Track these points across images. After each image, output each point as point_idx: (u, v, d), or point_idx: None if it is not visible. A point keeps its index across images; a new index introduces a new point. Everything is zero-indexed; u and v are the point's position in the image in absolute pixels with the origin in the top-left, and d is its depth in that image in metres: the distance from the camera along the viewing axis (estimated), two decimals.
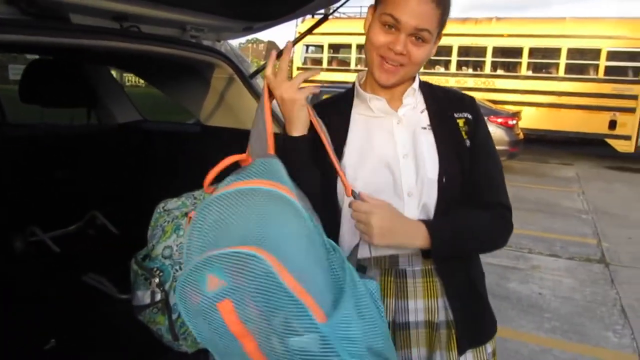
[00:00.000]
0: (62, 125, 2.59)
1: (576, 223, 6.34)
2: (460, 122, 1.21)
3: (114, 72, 3.06)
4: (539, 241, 5.49)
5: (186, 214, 1.58)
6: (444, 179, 1.15)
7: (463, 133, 1.20)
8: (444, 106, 1.23)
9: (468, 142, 1.19)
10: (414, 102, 1.22)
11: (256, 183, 0.95)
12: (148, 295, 1.55)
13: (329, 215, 1.11)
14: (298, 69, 14.43)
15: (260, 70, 2.08)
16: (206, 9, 1.81)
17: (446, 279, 1.19)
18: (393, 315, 1.20)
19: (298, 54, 14.56)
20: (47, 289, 2.03)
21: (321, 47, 14.33)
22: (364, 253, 1.12)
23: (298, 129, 1.12)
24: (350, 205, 1.09)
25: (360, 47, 14.02)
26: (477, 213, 1.18)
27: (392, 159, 1.17)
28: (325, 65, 14.29)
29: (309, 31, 2.10)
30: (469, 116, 1.22)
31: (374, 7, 1.15)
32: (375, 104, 1.21)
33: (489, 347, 1.28)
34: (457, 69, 12.88)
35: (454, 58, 12.72)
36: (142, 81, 3.52)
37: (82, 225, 2.41)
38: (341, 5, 1.99)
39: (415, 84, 1.23)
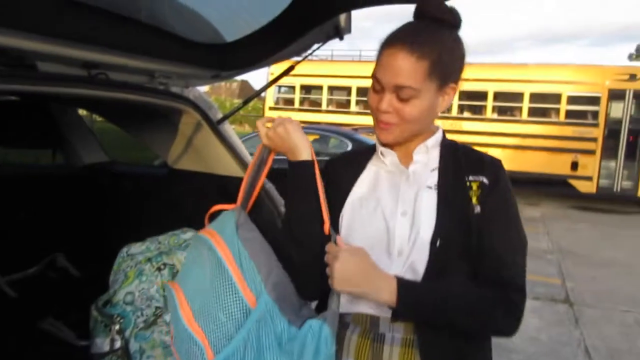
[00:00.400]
0: (26, 166, 2.56)
1: (542, 263, 6.46)
2: (474, 186, 1.11)
3: (83, 111, 3.06)
4: None
5: (149, 260, 1.58)
6: (437, 242, 1.07)
7: (474, 198, 1.10)
8: (458, 166, 1.15)
9: (479, 208, 1.09)
10: (425, 159, 1.17)
11: (205, 231, 1.13)
12: (107, 343, 1.53)
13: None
14: (270, 108, 14.60)
15: (229, 116, 2.12)
16: (174, 58, 1.86)
17: (426, 354, 1.08)
18: None
19: (270, 95, 14.74)
20: (1, 336, 1.97)
21: (293, 87, 14.55)
22: (352, 307, 1.13)
23: (303, 154, 1.14)
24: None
25: (331, 89, 14.31)
26: (469, 288, 1.08)
27: (390, 215, 1.13)
28: (297, 105, 14.48)
29: (277, 79, 2.17)
30: (485, 180, 1.11)
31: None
32: (387, 158, 1.18)
33: None
34: None
35: None
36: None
37: (42, 268, 2.37)
38: (306, 57, 2.08)
39: (431, 141, 1.17)
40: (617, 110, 11.51)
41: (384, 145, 1.17)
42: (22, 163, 2.62)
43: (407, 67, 1.05)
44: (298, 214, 1.15)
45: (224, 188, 2.12)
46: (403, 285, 1.04)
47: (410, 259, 1.08)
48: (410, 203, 1.12)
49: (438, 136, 1.19)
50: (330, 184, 1.21)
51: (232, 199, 2.16)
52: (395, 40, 1.07)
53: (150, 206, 2.37)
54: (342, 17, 1.94)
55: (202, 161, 2.16)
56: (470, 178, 1.12)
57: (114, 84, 1.66)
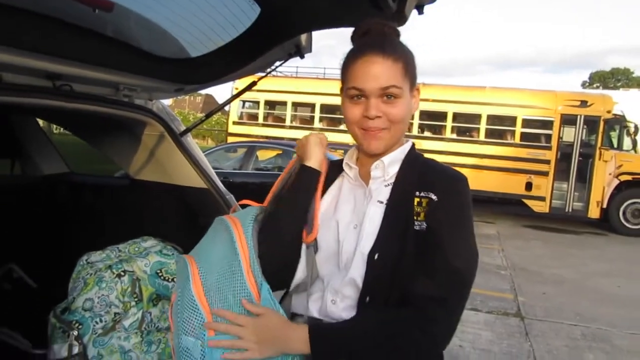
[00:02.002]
0: None
1: (495, 279, 6.66)
2: (424, 202, 1.11)
3: (41, 122, 3.05)
4: None
5: (110, 267, 1.61)
6: (375, 256, 1.09)
7: (422, 214, 1.10)
8: (412, 183, 1.15)
9: (422, 225, 1.09)
10: (382, 174, 1.19)
11: (228, 217, 1.21)
12: (65, 349, 1.55)
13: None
14: (234, 123, 14.57)
15: (192, 128, 2.18)
16: (139, 71, 1.91)
17: None
18: None
19: (235, 109, 14.75)
20: None
21: (257, 103, 14.59)
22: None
23: (312, 162, 1.22)
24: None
25: (295, 105, 14.43)
26: (384, 317, 1.07)
27: (343, 228, 1.17)
28: (261, 120, 14.52)
29: (239, 94, 2.24)
30: (433, 197, 1.11)
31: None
32: (351, 172, 1.23)
33: None
34: None
35: None
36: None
37: None
38: (268, 74, 2.17)
39: (387, 158, 1.19)
40: (569, 134, 12.01)
41: (374, 155, 1.19)
42: None
43: (386, 69, 1.11)
44: (289, 208, 1.20)
45: (185, 198, 2.17)
46: (314, 332, 1.05)
47: (350, 272, 1.11)
48: (361, 217, 1.16)
49: (403, 150, 1.21)
50: None
51: (193, 209, 2.21)
52: (367, 50, 1.13)
53: (110, 216, 2.39)
54: (303, 37, 2.04)
55: (163, 172, 2.20)
56: (421, 195, 1.12)
57: (77, 95, 1.70)
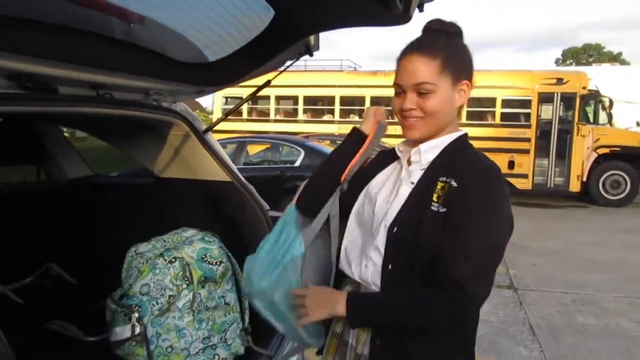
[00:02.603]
0: (16, 183, 2.68)
1: None
2: (439, 186, 1.21)
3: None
4: None
5: (161, 255, 1.79)
6: (394, 229, 1.22)
7: (435, 197, 1.20)
8: (441, 169, 1.26)
9: (440, 208, 1.19)
10: (419, 159, 1.31)
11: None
12: (128, 329, 1.73)
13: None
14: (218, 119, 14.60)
15: (214, 126, 2.36)
16: (166, 77, 2.08)
17: None
18: None
19: (218, 106, 14.82)
20: (12, 337, 2.10)
21: (240, 98, 14.61)
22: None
23: (363, 128, 1.47)
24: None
25: (278, 98, 14.55)
26: (410, 292, 1.21)
27: (380, 202, 1.31)
28: (245, 116, 14.62)
29: (257, 91, 2.41)
30: (454, 183, 1.20)
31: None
32: (400, 154, 1.38)
33: None
34: None
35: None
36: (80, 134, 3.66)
37: (36, 278, 2.50)
38: (280, 73, 2.34)
39: (424, 146, 1.31)
40: (547, 112, 12.34)
41: (414, 141, 1.33)
42: (11, 181, 2.73)
43: (421, 66, 1.23)
44: (329, 157, 1.50)
45: (211, 192, 2.35)
46: (351, 298, 1.24)
47: (376, 240, 1.26)
48: (394, 194, 1.29)
49: (446, 138, 1.32)
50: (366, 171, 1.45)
51: (218, 201, 2.38)
52: (408, 50, 1.27)
53: (137, 214, 2.56)
54: (312, 37, 2.22)
55: (188, 169, 2.37)
56: (440, 179, 1.22)
57: (117, 102, 1.87)
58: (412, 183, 1.28)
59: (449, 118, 1.30)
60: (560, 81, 12.19)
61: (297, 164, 8.20)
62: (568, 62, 49.25)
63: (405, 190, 1.28)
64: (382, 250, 1.24)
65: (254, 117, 14.62)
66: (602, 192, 11.83)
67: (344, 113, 13.92)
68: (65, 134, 2.98)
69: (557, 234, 8.48)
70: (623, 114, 13.84)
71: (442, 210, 1.19)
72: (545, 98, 12.22)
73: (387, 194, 1.32)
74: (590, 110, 12.53)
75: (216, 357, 1.86)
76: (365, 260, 1.29)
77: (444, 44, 1.27)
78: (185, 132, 2.26)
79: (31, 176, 2.68)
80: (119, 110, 1.87)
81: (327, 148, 9.01)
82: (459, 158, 1.27)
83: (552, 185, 12.33)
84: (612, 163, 11.80)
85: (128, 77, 1.87)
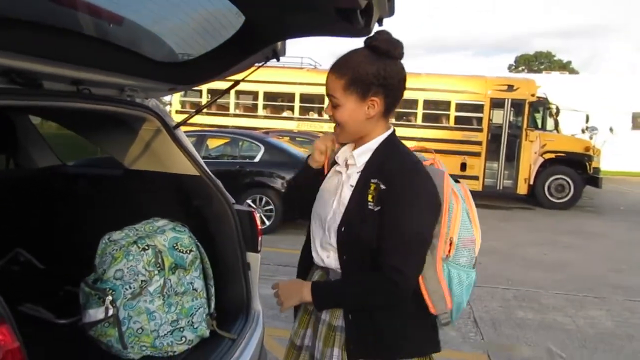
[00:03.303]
0: None
1: None
2: (371, 187, 1.43)
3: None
4: None
5: (135, 242, 1.91)
6: (342, 229, 1.46)
7: (370, 197, 1.42)
8: (372, 171, 1.46)
9: (374, 207, 1.41)
10: (354, 163, 1.52)
11: None
12: (102, 311, 1.85)
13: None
14: (177, 112, 14.50)
15: (185, 122, 2.48)
16: (140, 74, 2.19)
17: (348, 332, 1.49)
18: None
19: (177, 98, 14.70)
20: None
21: (200, 92, 14.58)
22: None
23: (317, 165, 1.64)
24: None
25: (238, 93, 14.55)
26: (358, 278, 1.46)
27: (328, 202, 1.55)
28: (204, 109, 14.53)
29: (228, 90, 2.53)
30: (382, 186, 1.41)
31: None
32: (339, 159, 1.60)
33: None
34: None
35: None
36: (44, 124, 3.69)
37: (4, 263, 2.55)
38: (247, 76, 2.47)
39: (357, 151, 1.52)
40: (499, 116, 12.87)
41: (344, 144, 1.58)
42: None
43: (331, 82, 1.47)
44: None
45: (180, 185, 2.47)
46: (314, 286, 1.50)
47: (330, 239, 1.51)
48: (338, 196, 1.53)
49: (376, 141, 1.52)
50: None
51: (188, 194, 2.50)
52: (331, 65, 1.50)
53: (106, 203, 2.65)
54: (279, 42, 2.36)
55: (158, 162, 2.48)
56: (373, 181, 1.43)
57: (95, 97, 1.98)
58: (352, 186, 1.49)
59: (360, 127, 1.50)
60: (511, 88, 12.73)
61: (257, 159, 8.28)
62: (520, 68, 50.91)
63: (347, 193, 1.50)
64: (335, 246, 1.49)
65: (213, 111, 14.57)
66: (548, 195, 12.45)
67: (304, 110, 14.07)
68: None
69: (503, 234, 8.91)
70: (569, 121, 14.55)
71: (377, 208, 1.41)
72: (497, 103, 12.74)
73: (333, 197, 1.55)
74: (538, 116, 13.14)
75: (183, 339, 1.99)
76: (326, 252, 1.55)
77: (356, 62, 1.45)
78: (156, 127, 2.37)
79: (1, 165, 2.72)
80: (97, 105, 1.97)
81: (287, 145, 9.14)
82: (388, 158, 1.47)
83: (501, 188, 12.87)
84: (557, 168, 12.42)
85: (105, 74, 1.97)
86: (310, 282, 1.53)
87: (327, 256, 1.54)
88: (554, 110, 13.30)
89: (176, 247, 1.96)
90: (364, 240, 1.43)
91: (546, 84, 14.41)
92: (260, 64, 2.45)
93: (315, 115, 14.03)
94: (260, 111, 14.28)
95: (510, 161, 12.69)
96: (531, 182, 12.52)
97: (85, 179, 2.80)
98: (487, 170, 12.84)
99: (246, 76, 2.47)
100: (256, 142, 8.58)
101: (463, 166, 12.76)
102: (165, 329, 1.95)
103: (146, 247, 1.89)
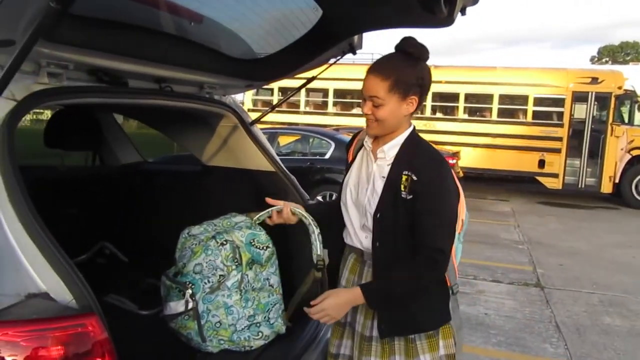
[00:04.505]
0: (74, 168, 2.86)
1: (514, 253, 6.98)
2: (403, 178, 1.58)
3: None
4: (482, 269, 6.06)
5: (213, 237, 1.93)
6: (378, 215, 1.62)
7: (402, 187, 1.58)
8: (403, 164, 1.61)
9: (407, 195, 1.57)
10: (383, 156, 1.67)
11: None
12: (182, 304, 1.88)
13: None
14: (249, 110, 14.81)
15: (260, 118, 2.49)
16: (219, 71, 2.22)
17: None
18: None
19: (249, 97, 15.02)
20: None
21: (271, 90, 14.83)
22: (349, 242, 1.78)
23: None
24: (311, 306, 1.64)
25: (308, 91, 14.66)
26: (403, 265, 1.59)
27: (362, 190, 1.71)
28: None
29: (304, 85, 2.53)
30: (414, 177, 1.57)
31: None
32: (367, 147, 1.75)
33: (442, 349, 1.68)
34: None
35: None
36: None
37: (91, 256, 2.68)
38: (323, 71, 2.45)
39: (387, 145, 1.66)
40: (581, 111, 12.19)
41: (375, 137, 1.71)
42: (71, 166, 2.91)
43: (374, 84, 1.59)
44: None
45: (256, 181, 2.49)
46: (364, 288, 1.59)
47: (368, 222, 1.66)
48: (371, 186, 1.67)
49: (402, 136, 1.67)
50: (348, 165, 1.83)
51: (263, 190, 2.52)
52: (370, 68, 1.63)
53: (185, 199, 2.72)
54: (356, 36, 2.32)
55: (235, 158, 2.52)
56: (404, 172, 1.59)
57: (177, 94, 2.02)
58: (383, 177, 1.64)
59: (397, 123, 1.65)
60: (595, 80, 12.02)
61: (327, 156, 8.31)
62: (604, 60, 48.11)
63: (380, 184, 1.65)
64: (371, 229, 1.65)
65: (284, 109, 14.76)
66: (635, 194, 11.70)
67: None
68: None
69: (585, 234, 8.45)
70: None
71: (409, 197, 1.58)
72: (580, 97, 12.08)
73: (366, 186, 1.70)
74: (625, 110, 12.36)
75: (260, 334, 2.00)
76: (365, 233, 1.71)
77: (398, 66, 1.60)
78: (234, 124, 2.40)
79: (88, 161, 2.86)
80: (178, 102, 2.02)
81: None
82: (415, 152, 1.64)
83: (583, 186, 12.21)
84: None
85: (186, 72, 2.01)
86: (358, 286, 1.61)
87: (366, 237, 1.70)
88: None
89: (253, 243, 1.96)
90: (397, 224, 1.59)
91: (634, 76, 13.46)
92: (335, 59, 2.43)
93: None
94: (330, 108, 14.32)
95: (594, 158, 12.00)
96: (617, 180, 11.78)
97: (165, 175, 2.89)
98: (568, 167, 12.19)
99: (320, 73, 2.45)
100: (327, 139, 8.62)
101: (541, 163, 12.20)
102: (242, 324, 1.96)
103: (224, 242, 1.91)
